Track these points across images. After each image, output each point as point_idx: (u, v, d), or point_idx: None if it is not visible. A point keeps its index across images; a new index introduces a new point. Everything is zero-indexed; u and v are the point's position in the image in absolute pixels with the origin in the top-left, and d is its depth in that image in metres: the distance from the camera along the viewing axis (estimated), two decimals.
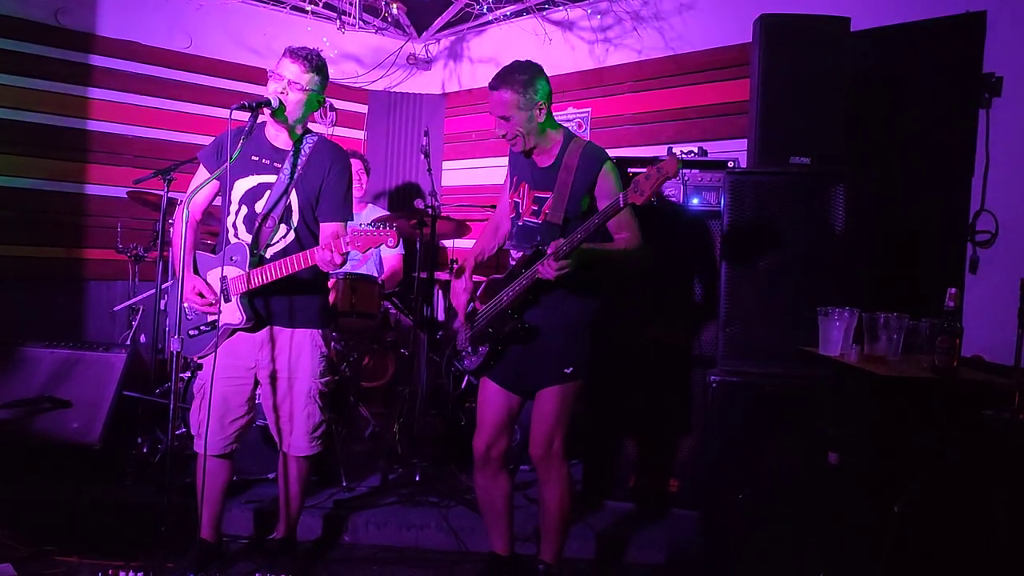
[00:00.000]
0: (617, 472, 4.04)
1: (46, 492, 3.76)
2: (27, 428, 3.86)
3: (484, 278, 3.17)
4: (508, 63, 2.98)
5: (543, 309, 2.96)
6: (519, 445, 4.10)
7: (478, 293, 3.11)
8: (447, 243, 5.89)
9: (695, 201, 3.92)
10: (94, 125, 5.28)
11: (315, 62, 3.02)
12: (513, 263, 3.06)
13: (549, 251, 2.74)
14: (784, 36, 3.42)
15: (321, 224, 3.12)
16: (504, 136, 2.97)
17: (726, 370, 3.37)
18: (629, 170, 3.99)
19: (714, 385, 3.35)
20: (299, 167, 3.07)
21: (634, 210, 2.77)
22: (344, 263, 2.88)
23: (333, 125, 6.27)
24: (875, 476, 3.01)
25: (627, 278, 3.69)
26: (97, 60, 5.25)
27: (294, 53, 3.00)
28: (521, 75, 2.90)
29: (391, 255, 5.27)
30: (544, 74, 2.97)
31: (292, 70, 2.98)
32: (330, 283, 4.07)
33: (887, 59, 4.10)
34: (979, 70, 3.80)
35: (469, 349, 3.12)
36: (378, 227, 2.77)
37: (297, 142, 3.10)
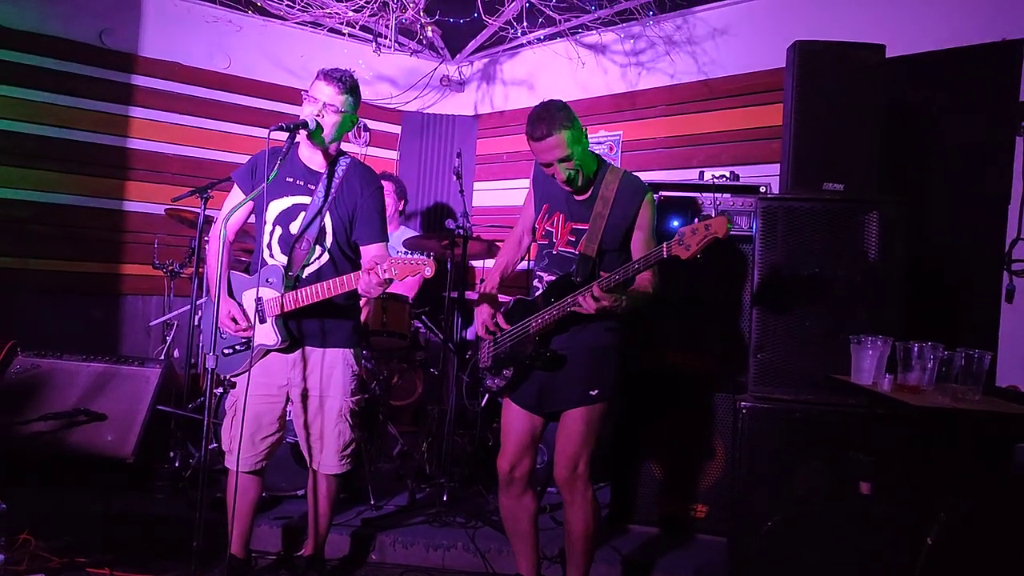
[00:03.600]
0: (644, 496, 4.01)
1: (79, 504, 3.81)
2: (63, 440, 3.93)
3: (509, 297, 3.17)
4: (534, 111, 2.89)
5: (571, 331, 2.96)
6: (545, 467, 4.10)
7: (502, 311, 3.10)
8: (477, 263, 5.93)
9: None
10: (134, 143, 5.40)
11: (348, 84, 3.06)
12: (540, 285, 3.07)
13: (593, 288, 2.71)
14: (818, 63, 3.41)
15: (362, 248, 3.17)
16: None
17: (756, 396, 3.35)
18: (661, 194, 4.00)
19: (744, 411, 3.33)
20: (333, 189, 3.11)
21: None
22: (386, 288, 2.91)
23: (367, 145, 6.37)
24: (907, 507, 2.97)
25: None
26: (139, 80, 5.39)
27: (328, 75, 3.05)
28: (560, 112, 2.84)
29: None
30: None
31: (327, 92, 3.02)
32: (362, 301, 4.11)
33: (922, 86, 4.08)
34: (1016, 98, 3.77)
35: (492, 369, 3.12)
36: (417, 256, 2.80)
37: (331, 164, 3.15)
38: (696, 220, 2.65)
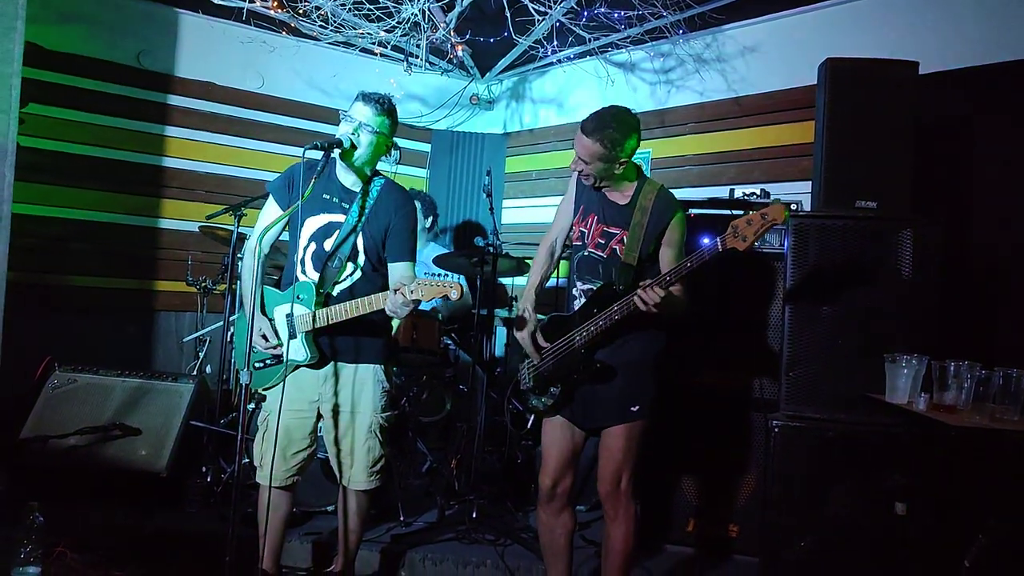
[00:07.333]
0: (676, 515, 3.97)
1: (114, 517, 3.85)
2: (98, 454, 3.98)
3: (542, 316, 3.16)
4: (605, 108, 2.93)
5: (610, 348, 2.95)
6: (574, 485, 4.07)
7: (538, 329, 3.08)
8: (507, 281, 5.94)
9: (757, 243, 3.89)
10: (169, 162, 5.51)
11: (386, 107, 3.12)
12: (576, 296, 3.06)
13: (651, 283, 2.72)
14: (850, 80, 3.40)
15: (390, 265, 3.19)
16: (581, 172, 2.96)
17: (788, 415, 3.32)
18: (691, 211, 3.98)
19: (776, 430, 3.30)
20: (367, 209, 3.15)
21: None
22: (413, 310, 2.93)
23: (397, 163, 6.40)
24: (944, 528, 2.93)
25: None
26: (175, 100, 5.50)
27: (367, 97, 3.10)
28: (614, 132, 2.84)
29: None
30: (638, 131, 2.92)
31: (364, 113, 3.08)
32: None
33: (956, 103, 4.05)
34: None
35: (537, 389, 3.10)
36: (443, 277, 2.81)
37: (366, 184, 3.19)
38: (749, 212, 2.63)
